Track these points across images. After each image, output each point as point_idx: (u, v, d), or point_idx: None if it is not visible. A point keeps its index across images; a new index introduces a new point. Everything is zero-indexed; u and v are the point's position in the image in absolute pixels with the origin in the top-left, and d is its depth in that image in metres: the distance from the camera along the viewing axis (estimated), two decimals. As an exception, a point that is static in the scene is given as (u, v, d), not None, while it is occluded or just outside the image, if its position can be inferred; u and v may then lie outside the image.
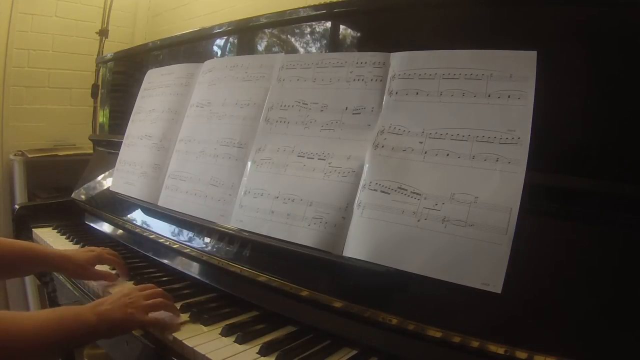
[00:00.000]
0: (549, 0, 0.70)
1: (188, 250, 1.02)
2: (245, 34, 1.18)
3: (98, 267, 1.02)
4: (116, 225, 1.32)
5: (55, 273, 1.19)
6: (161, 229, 1.12)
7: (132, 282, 1.01)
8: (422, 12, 0.85)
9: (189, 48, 1.35)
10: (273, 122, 0.96)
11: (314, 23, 1.00)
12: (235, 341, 0.74)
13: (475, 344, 0.61)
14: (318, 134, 0.88)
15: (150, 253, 1.13)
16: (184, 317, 0.83)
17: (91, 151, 1.86)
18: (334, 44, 0.97)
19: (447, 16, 0.81)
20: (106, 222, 1.37)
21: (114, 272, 1.05)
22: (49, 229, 1.45)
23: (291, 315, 0.81)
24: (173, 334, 0.76)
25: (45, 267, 1.02)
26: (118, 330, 0.76)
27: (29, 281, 2.20)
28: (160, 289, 0.85)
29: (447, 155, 0.71)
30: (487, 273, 0.62)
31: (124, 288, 0.83)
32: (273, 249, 0.85)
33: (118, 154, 1.37)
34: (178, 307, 0.85)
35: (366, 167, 0.79)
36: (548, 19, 0.69)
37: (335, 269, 0.78)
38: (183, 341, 0.74)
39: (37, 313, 0.72)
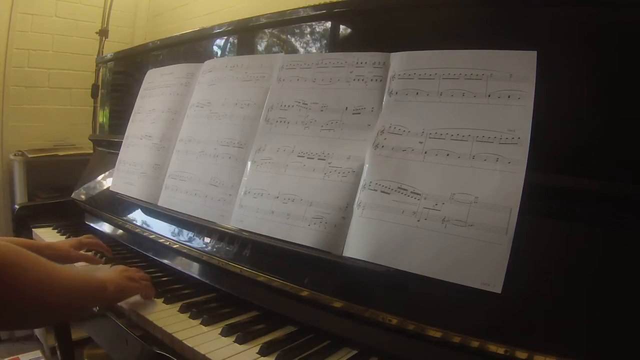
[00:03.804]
0: (549, 0, 0.70)
1: (188, 250, 1.02)
2: (245, 34, 1.18)
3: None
4: (116, 225, 1.32)
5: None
6: (161, 229, 1.12)
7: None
8: (422, 12, 0.85)
9: (189, 48, 1.35)
10: (273, 122, 0.96)
11: (314, 23, 1.00)
12: (235, 341, 0.74)
13: (475, 344, 0.61)
14: (318, 134, 0.88)
15: (151, 253, 1.13)
16: (184, 316, 0.83)
17: (91, 151, 1.86)
18: (334, 44, 0.97)
19: (447, 16, 0.81)
20: (106, 222, 1.37)
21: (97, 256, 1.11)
22: (49, 229, 1.45)
23: (291, 315, 0.81)
24: (173, 334, 0.76)
25: None
26: (123, 294, 0.84)
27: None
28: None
29: (447, 155, 0.71)
30: (487, 273, 0.62)
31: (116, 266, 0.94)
32: (273, 249, 0.85)
33: (118, 154, 1.37)
34: (178, 308, 0.86)
35: (366, 167, 0.79)
36: (548, 19, 0.69)
37: (335, 269, 0.78)
38: (183, 341, 0.74)
39: (64, 267, 0.75)
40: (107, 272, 0.86)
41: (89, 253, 1.11)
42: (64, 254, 1.02)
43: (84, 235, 1.14)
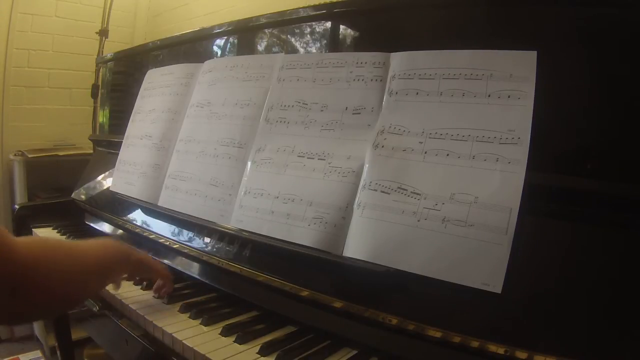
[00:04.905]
0: (549, 0, 0.70)
1: (188, 250, 1.02)
2: (245, 34, 1.18)
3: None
4: (116, 225, 1.32)
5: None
6: (161, 229, 1.12)
7: (131, 282, 1.00)
8: (422, 12, 0.85)
9: (189, 48, 1.35)
10: (273, 122, 0.96)
11: (314, 23, 1.00)
12: (235, 341, 0.74)
13: (475, 344, 0.61)
14: (318, 134, 0.88)
15: (151, 253, 1.12)
16: (184, 316, 0.83)
17: (91, 151, 1.86)
18: (334, 44, 0.97)
19: (447, 16, 0.81)
20: (106, 222, 1.37)
21: None
22: (49, 229, 1.45)
23: (291, 315, 0.81)
24: (173, 334, 0.76)
25: None
26: (144, 267, 0.89)
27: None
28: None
29: (447, 155, 0.71)
30: (487, 273, 0.62)
31: None
32: (273, 249, 0.85)
33: (118, 154, 1.36)
34: (178, 308, 0.86)
35: (366, 167, 0.79)
36: (548, 19, 0.69)
37: (335, 269, 0.78)
38: (183, 341, 0.74)
39: (87, 246, 0.79)
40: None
41: None
42: None
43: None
